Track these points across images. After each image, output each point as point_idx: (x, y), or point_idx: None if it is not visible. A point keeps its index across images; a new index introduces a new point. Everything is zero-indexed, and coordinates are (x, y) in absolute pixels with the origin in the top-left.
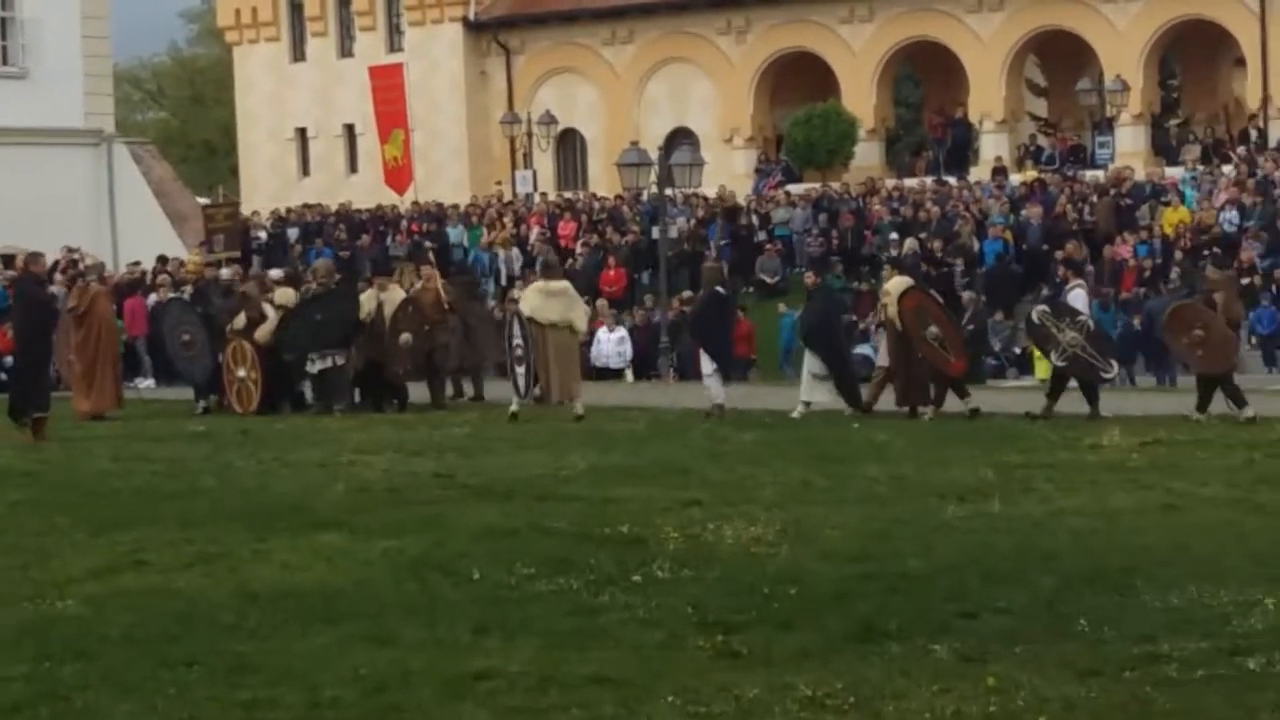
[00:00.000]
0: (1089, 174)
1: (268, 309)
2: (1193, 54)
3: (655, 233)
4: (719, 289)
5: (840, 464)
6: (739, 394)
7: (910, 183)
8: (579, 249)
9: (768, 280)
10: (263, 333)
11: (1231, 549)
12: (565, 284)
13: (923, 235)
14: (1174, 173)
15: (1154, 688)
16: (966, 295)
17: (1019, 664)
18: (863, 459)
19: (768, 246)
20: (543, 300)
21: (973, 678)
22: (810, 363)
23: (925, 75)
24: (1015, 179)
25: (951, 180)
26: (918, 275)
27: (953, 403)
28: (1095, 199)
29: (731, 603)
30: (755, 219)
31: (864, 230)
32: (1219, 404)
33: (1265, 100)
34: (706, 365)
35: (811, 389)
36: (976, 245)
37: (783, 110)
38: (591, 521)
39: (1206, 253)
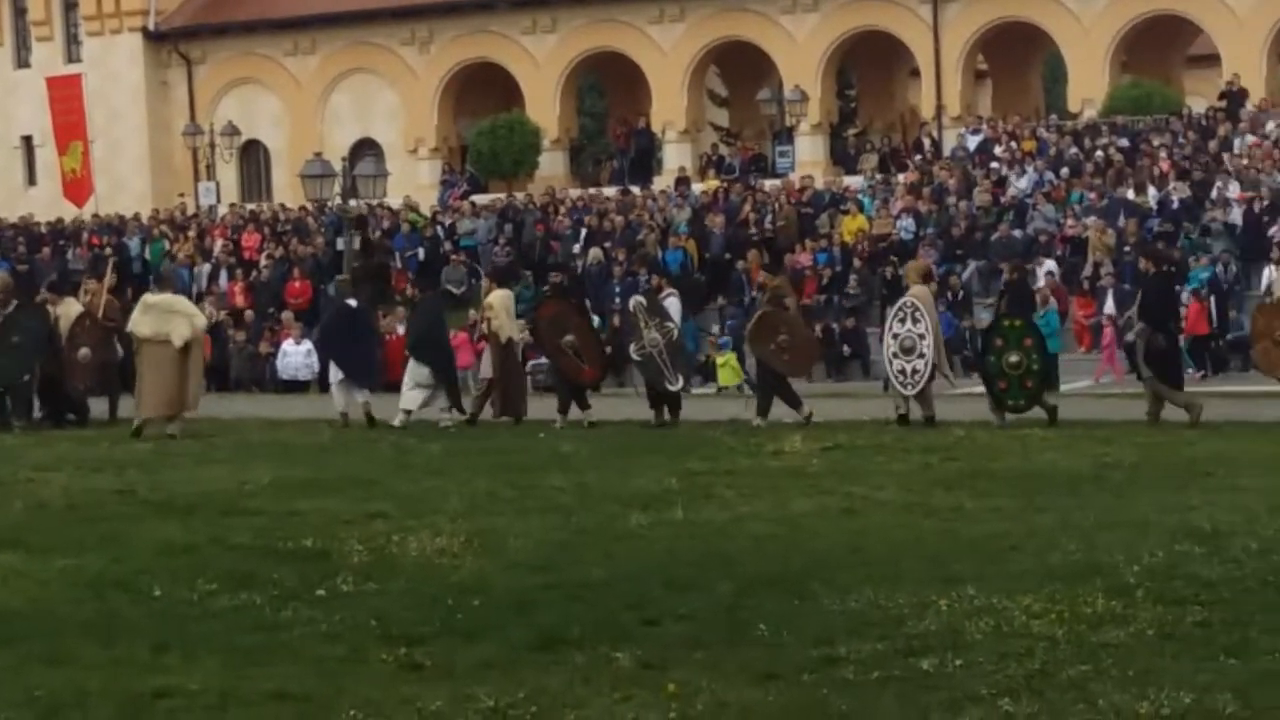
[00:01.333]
0: (770, 183)
1: None
2: (869, 64)
3: (340, 244)
4: (349, 301)
5: (525, 474)
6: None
7: (594, 191)
8: (264, 261)
9: (454, 291)
10: None
11: (907, 552)
12: (166, 296)
13: (607, 245)
14: (852, 181)
15: (831, 690)
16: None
17: (699, 669)
18: (548, 469)
19: (453, 257)
20: (140, 314)
21: (653, 685)
22: (415, 371)
23: (609, 85)
24: (698, 188)
25: (635, 190)
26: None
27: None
28: (776, 207)
29: (415, 615)
30: (441, 230)
31: (550, 240)
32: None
33: (939, 109)
34: (334, 374)
35: (410, 396)
36: (660, 254)
37: (467, 121)
38: (275, 535)
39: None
